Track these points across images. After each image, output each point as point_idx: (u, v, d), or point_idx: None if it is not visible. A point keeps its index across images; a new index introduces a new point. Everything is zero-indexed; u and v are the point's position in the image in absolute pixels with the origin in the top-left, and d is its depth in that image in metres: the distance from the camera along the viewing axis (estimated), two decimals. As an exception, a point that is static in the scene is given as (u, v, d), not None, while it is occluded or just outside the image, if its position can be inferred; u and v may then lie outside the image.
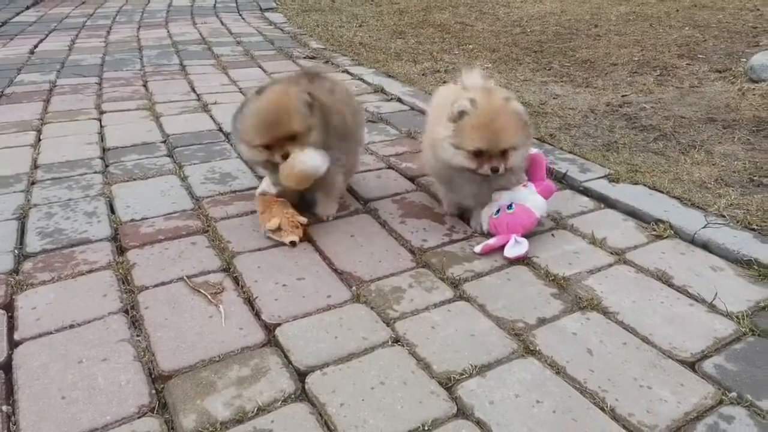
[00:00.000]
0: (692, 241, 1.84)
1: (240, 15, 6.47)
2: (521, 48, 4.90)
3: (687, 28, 5.50)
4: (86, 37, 5.22)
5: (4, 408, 1.22)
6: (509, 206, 1.81)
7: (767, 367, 1.33)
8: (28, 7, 6.91)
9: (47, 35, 5.29)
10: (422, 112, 3.16)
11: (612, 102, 3.48)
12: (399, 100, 3.36)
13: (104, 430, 1.16)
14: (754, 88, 3.48)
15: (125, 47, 4.77)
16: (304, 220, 1.87)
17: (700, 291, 1.59)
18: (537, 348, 1.40)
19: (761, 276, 1.65)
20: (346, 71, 4.03)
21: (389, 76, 3.86)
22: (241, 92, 3.53)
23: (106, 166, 2.44)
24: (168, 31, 5.46)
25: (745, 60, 4.20)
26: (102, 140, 2.73)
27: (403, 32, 5.57)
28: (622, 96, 3.60)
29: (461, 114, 1.66)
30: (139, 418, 1.19)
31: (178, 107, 3.21)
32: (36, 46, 4.80)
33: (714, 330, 1.45)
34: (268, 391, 1.25)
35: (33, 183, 2.27)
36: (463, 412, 1.21)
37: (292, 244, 1.81)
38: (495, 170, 1.67)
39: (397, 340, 1.42)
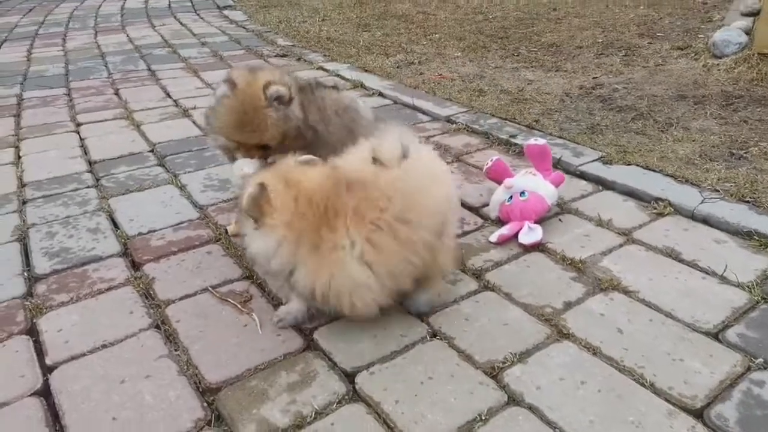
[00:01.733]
0: (692, 216, 1.93)
1: (198, 15, 6.33)
2: (486, 35, 4.97)
3: (641, 7, 5.69)
4: (42, 46, 5.01)
5: (54, 436, 1.19)
6: (522, 193, 1.85)
7: (783, 331, 1.42)
8: (-30, 17, 6.57)
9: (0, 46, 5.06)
10: (406, 105, 3.19)
11: (585, 85, 3.58)
12: (380, 94, 3.37)
13: (166, 449, 1.15)
14: (718, 64, 3.64)
15: (87, 54, 4.61)
16: None
17: (709, 264, 1.68)
18: (570, 331, 1.45)
19: (763, 246, 1.75)
20: (321, 68, 4.01)
21: (365, 71, 3.86)
22: (218, 95, 3.47)
23: (97, 179, 2.37)
24: (128, 35, 5.29)
25: (702, 36, 4.39)
26: (86, 153, 2.64)
27: (367, 24, 5.56)
28: (593, 78, 3.71)
29: None
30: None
31: (158, 114, 3.14)
32: (-10, 58, 4.59)
33: (730, 301, 1.53)
34: (321, 395, 1.26)
35: (24, 202, 2.19)
36: (513, 399, 1.25)
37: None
38: None
39: (434, 335, 1.45)
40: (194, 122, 3.02)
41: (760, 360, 1.33)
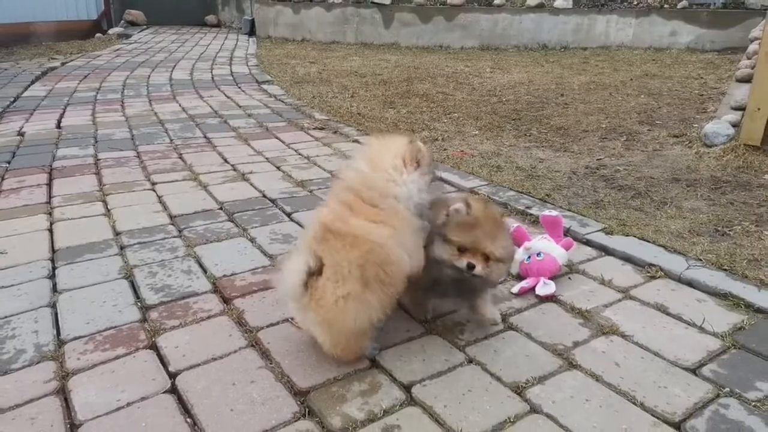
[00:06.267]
0: (679, 279, 2.34)
1: (240, 88, 7.00)
2: (501, 116, 5.54)
3: (642, 96, 6.28)
4: (103, 111, 5.62)
5: (188, 420, 1.57)
6: (538, 254, 2.29)
7: (747, 370, 1.80)
8: (32, 82, 7.28)
9: (65, 110, 5.67)
10: (439, 179, 3.67)
11: (590, 165, 4.07)
12: (412, 167, 3.86)
13: (275, 430, 1.53)
14: (708, 152, 4.14)
15: (146, 121, 5.19)
16: None
17: (691, 317, 2.08)
18: (578, 363, 1.84)
19: (735, 305, 2.15)
20: (356, 141, 4.54)
21: (397, 146, 4.37)
22: (268, 161, 3.98)
23: (180, 230, 2.82)
24: (180, 105, 5.91)
25: (697, 126, 4.92)
26: (165, 208, 3.11)
27: (392, 102, 6.17)
28: (597, 160, 4.21)
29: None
30: (296, 421, 1.57)
31: (220, 177, 3.63)
32: (60, 121, 5.18)
33: (706, 345, 1.93)
34: (386, 399, 1.65)
35: (123, 247, 2.63)
36: (534, 410, 1.64)
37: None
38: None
39: (470, 361, 1.85)
40: (252, 185, 3.51)
41: (727, 389, 1.71)
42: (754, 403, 1.66)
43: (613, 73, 7.62)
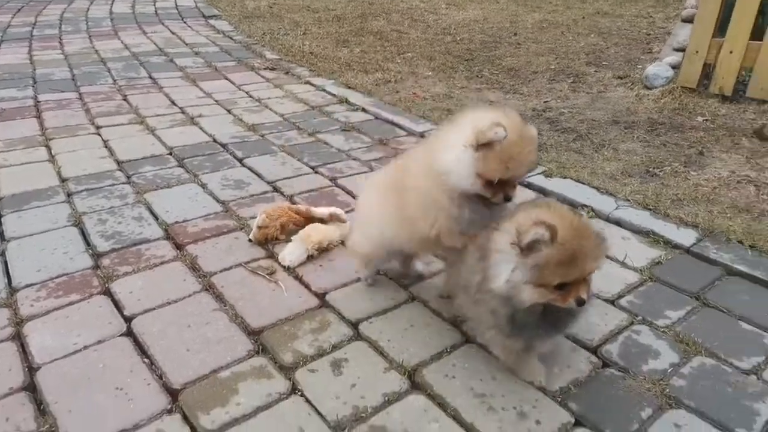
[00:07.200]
0: (608, 219, 2.52)
1: (185, 23, 6.72)
2: (454, 56, 5.55)
3: (592, 36, 6.38)
4: (41, 48, 5.34)
5: (145, 360, 1.67)
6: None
7: (659, 300, 2.01)
8: (-41, 13, 6.79)
9: (-2, 46, 5.36)
10: (386, 121, 3.72)
11: (537, 107, 4.19)
12: (363, 110, 3.90)
13: (230, 366, 1.65)
14: (648, 94, 4.31)
15: (87, 59, 4.98)
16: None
17: (615, 253, 2.26)
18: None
19: (655, 242, 2.35)
20: (309, 82, 4.51)
21: (349, 87, 4.38)
22: (218, 104, 3.93)
23: (128, 177, 2.81)
24: (122, 42, 5.67)
25: (641, 67, 5.07)
26: (112, 153, 3.08)
27: (346, 41, 6.07)
28: (544, 102, 4.33)
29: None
30: (250, 358, 1.69)
31: (168, 121, 3.58)
32: (-8, 58, 4.91)
33: (626, 279, 2.12)
34: (335, 336, 1.78)
35: (70, 194, 2.62)
36: (468, 340, 1.80)
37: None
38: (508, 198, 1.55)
39: (413, 299, 1.99)
40: (201, 129, 3.48)
41: (640, 318, 1.92)
42: (662, 329, 1.86)
43: (566, 11, 7.66)
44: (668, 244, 2.33)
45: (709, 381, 1.67)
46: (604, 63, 5.37)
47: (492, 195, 1.54)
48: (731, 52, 3.93)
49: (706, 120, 3.81)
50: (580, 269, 1.37)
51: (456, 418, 1.52)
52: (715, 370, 1.71)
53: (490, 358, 1.71)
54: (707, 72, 4.13)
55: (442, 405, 1.56)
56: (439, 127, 2.11)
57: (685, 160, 3.23)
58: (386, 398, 1.57)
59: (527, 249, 1.34)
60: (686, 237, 2.35)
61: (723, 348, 1.79)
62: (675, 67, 4.56)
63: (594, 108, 4.13)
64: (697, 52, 4.08)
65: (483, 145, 1.46)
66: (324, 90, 4.29)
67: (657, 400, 1.60)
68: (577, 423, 1.52)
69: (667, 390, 1.63)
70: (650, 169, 3.11)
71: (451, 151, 1.53)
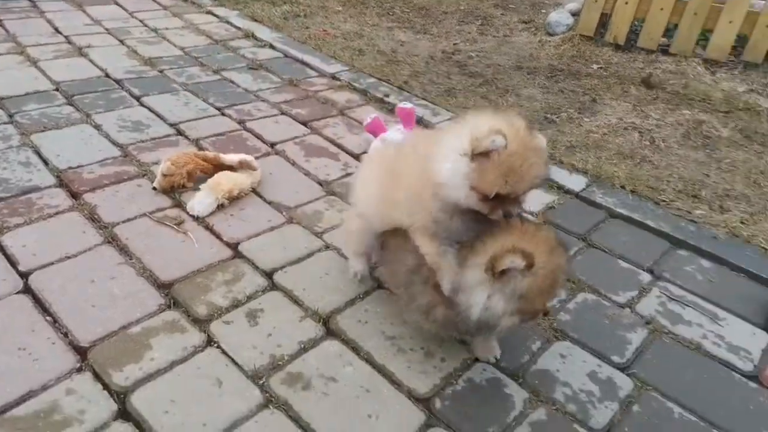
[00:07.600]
0: (510, 165, 2.66)
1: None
2: (365, -10, 5.40)
3: (500, -24, 6.43)
4: None
5: (47, 318, 1.60)
6: (391, 146, 2.44)
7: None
8: None
9: None
10: (296, 59, 3.60)
11: (446, 50, 4.23)
12: (271, 46, 3.74)
13: (141, 322, 1.62)
14: (549, 41, 4.47)
15: (-54, -27, 4.32)
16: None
17: (515, 199, 2.42)
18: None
19: (550, 187, 2.53)
20: (211, 12, 4.23)
21: (255, 20, 4.16)
22: (109, 33, 3.61)
23: (10, 116, 2.56)
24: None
25: (545, 12, 5.22)
26: (-12, 88, 2.77)
27: (250, -33, 5.70)
28: (454, 44, 4.37)
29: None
30: (161, 312, 1.66)
31: (52, 51, 3.25)
32: None
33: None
34: (249, 287, 1.79)
35: (-58, 136, 2.35)
36: (380, 286, 1.88)
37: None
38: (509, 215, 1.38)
39: (327, 247, 2.03)
40: (92, 61, 3.20)
41: (535, 260, 2.08)
42: (554, 270, 2.04)
43: (475, -51, 7.60)
44: (561, 189, 2.52)
45: (590, 314, 1.87)
46: (511, 6, 5.46)
47: (489, 211, 1.35)
48: (626, 3, 4.14)
49: (600, 68, 4.04)
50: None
51: (369, 360, 1.61)
52: (595, 305, 1.92)
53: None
54: (604, 21, 4.33)
55: (356, 349, 1.64)
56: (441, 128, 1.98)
57: (580, 107, 3.44)
58: (302, 345, 1.63)
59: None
60: (577, 183, 2.55)
61: (603, 284, 2.01)
62: (575, 14, 4.73)
63: (500, 53, 4.24)
64: (595, 1, 4.26)
65: (479, 155, 1.29)
66: (228, 22, 4.05)
67: (546, 333, 1.78)
68: (477, 358, 1.66)
69: (555, 324, 1.81)
70: (548, 116, 3.29)
71: (446, 160, 1.36)
